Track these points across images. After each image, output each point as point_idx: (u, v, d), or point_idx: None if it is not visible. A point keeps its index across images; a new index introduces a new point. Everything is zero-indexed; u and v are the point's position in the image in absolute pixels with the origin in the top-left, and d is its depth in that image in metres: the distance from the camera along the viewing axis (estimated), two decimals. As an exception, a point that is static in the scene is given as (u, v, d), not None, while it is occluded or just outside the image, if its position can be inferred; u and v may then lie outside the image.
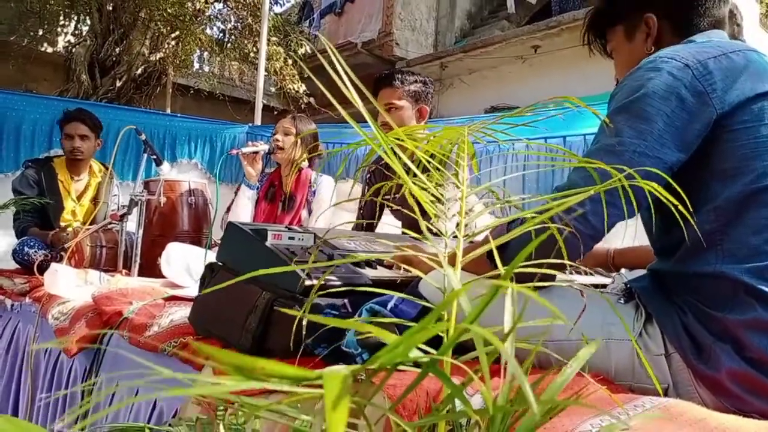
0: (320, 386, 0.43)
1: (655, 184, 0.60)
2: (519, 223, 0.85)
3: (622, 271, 1.35)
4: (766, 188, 0.91)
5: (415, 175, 0.69)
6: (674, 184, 0.71)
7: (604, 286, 1.30)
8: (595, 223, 0.91)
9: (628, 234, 1.03)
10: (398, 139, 0.68)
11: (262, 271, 0.54)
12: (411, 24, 9.94)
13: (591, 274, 1.43)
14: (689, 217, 0.78)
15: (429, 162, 0.71)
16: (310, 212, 2.74)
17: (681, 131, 0.93)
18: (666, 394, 0.92)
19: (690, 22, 1.10)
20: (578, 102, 0.69)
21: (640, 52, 1.14)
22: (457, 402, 0.60)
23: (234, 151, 2.69)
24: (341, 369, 0.40)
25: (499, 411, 0.50)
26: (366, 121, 0.62)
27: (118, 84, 8.22)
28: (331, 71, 0.58)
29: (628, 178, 0.66)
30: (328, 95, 0.59)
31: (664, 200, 0.62)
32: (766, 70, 0.97)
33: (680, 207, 0.63)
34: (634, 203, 0.82)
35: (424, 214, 0.70)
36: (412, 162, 0.68)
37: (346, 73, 0.57)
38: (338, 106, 0.61)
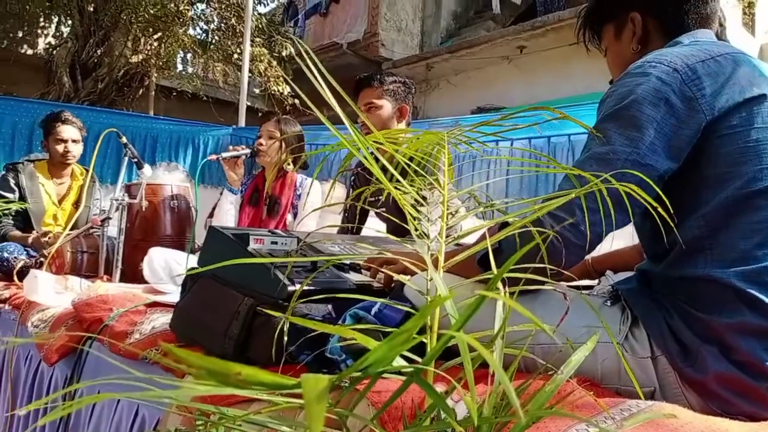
0: (300, 396, 0.41)
1: (643, 193, 0.59)
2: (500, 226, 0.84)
3: (608, 272, 1.34)
4: (756, 193, 0.90)
5: (396, 179, 0.68)
6: (659, 191, 0.70)
7: (591, 287, 1.29)
8: (587, 233, 0.89)
9: (606, 240, 1.02)
10: (379, 143, 0.67)
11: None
12: (397, 24, 9.93)
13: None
14: (672, 225, 0.77)
15: (410, 165, 0.70)
16: (295, 216, 2.72)
17: (671, 138, 0.92)
18: (653, 397, 0.91)
19: (676, 19, 1.09)
20: (561, 114, 0.68)
21: (627, 51, 1.14)
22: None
23: (213, 157, 2.64)
24: (320, 375, 0.39)
25: (484, 422, 0.49)
26: (351, 124, 0.61)
27: (100, 86, 8.12)
28: (309, 74, 0.56)
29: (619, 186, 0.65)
30: (306, 100, 0.58)
31: (650, 209, 0.61)
32: (754, 74, 0.96)
33: (664, 214, 0.62)
34: (630, 211, 0.81)
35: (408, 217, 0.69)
36: (394, 165, 0.67)
37: (323, 75, 0.55)
38: (315, 111, 0.60)
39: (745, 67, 0.96)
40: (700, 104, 0.92)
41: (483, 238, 0.98)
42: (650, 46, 1.11)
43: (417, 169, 0.71)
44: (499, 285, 0.63)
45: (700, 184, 0.93)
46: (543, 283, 0.95)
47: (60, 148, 3.13)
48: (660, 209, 0.62)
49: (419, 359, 0.62)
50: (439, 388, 0.83)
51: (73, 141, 3.16)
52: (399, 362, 0.59)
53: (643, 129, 0.91)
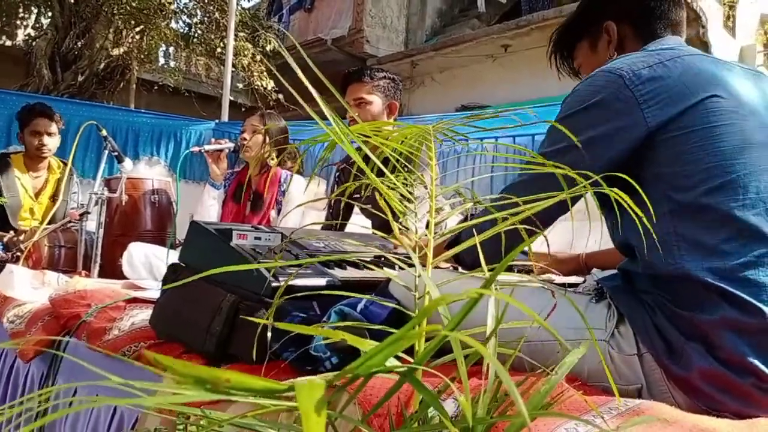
0: (289, 398, 0.39)
1: (619, 192, 0.59)
2: (470, 218, 0.87)
3: (594, 270, 1.34)
4: (716, 188, 0.91)
5: (383, 174, 0.67)
6: (643, 195, 0.70)
7: (576, 285, 1.29)
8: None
9: (593, 239, 1.03)
10: (365, 136, 0.65)
11: (225, 268, 0.51)
12: (382, 21, 9.91)
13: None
14: (638, 222, 0.77)
15: (396, 160, 0.69)
16: (279, 212, 2.69)
17: (614, 140, 0.95)
18: (639, 395, 0.91)
19: (648, 25, 1.13)
20: (535, 114, 0.67)
21: (604, 59, 1.15)
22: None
23: (196, 149, 2.61)
24: (314, 380, 0.37)
25: (479, 423, 0.47)
26: (337, 118, 0.59)
27: (80, 79, 7.99)
28: (296, 69, 0.55)
29: (567, 180, 0.66)
30: (294, 93, 0.56)
31: (625, 204, 0.60)
32: (705, 75, 0.97)
33: (631, 211, 0.62)
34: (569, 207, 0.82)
35: (393, 213, 0.67)
36: (381, 160, 0.65)
37: (310, 69, 0.54)
38: (304, 104, 0.58)
39: (696, 69, 0.98)
40: (641, 108, 0.94)
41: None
42: (627, 51, 1.12)
43: (404, 163, 0.70)
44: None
45: (662, 183, 0.95)
46: (526, 280, 0.94)
47: (35, 140, 3.07)
48: (626, 206, 0.61)
49: (409, 358, 0.61)
50: (427, 385, 0.82)
51: (49, 134, 3.10)
52: (389, 360, 0.57)
53: (587, 131, 0.96)
